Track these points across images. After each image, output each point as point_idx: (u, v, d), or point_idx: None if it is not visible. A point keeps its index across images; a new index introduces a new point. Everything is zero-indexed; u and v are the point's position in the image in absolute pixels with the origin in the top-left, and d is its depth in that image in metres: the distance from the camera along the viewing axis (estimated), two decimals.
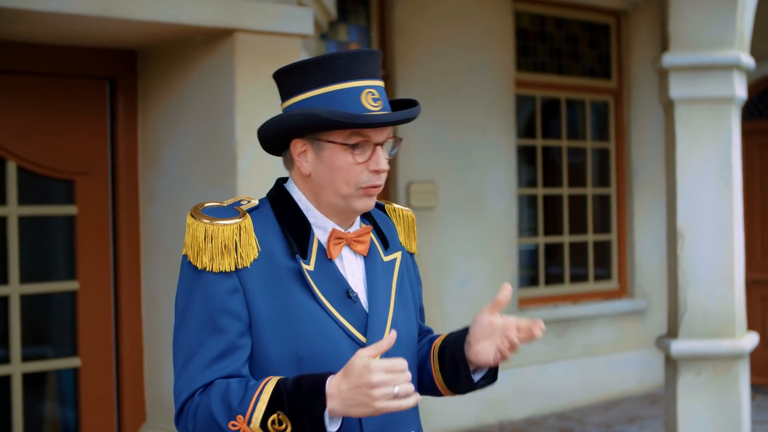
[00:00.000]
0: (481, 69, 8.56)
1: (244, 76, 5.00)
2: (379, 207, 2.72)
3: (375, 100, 2.40)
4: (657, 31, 9.24)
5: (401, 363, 2.23)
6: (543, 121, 9.39)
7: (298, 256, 2.39)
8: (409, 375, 2.23)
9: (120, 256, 5.58)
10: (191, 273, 2.39)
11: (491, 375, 2.58)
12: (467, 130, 8.46)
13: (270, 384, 2.27)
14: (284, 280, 2.37)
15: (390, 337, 2.23)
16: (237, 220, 2.38)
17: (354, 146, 2.38)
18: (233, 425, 2.25)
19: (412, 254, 2.74)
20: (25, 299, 5.34)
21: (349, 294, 2.43)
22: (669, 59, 6.08)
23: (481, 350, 2.50)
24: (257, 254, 2.37)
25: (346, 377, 2.22)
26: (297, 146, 2.44)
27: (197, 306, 2.36)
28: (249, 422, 2.24)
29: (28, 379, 5.38)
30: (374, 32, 8.12)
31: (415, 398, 2.23)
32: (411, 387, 2.22)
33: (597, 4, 9.51)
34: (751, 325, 9.15)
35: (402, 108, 2.52)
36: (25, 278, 5.34)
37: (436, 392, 2.67)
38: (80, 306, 5.49)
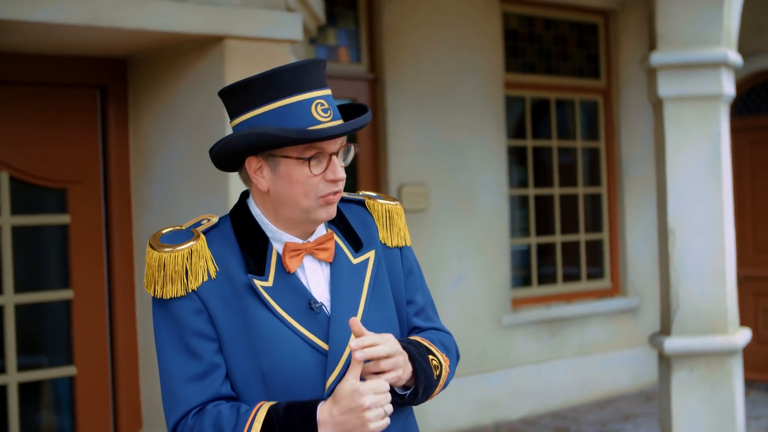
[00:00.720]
0: (470, 71, 8.59)
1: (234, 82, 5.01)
2: (359, 203, 2.69)
3: (325, 110, 2.39)
4: (645, 29, 9.27)
5: (385, 384, 2.29)
6: (533, 121, 9.42)
7: (250, 275, 2.39)
8: (389, 395, 2.31)
9: (114, 263, 5.59)
10: (155, 303, 2.42)
11: (414, 393, 2.52)
12: (457, 132, 8.49)
13: (261, 412, 2.30)
14: (243, 297, 2.39)
15: (355, 354, 2.26)
16: (189, 244, 2.40)
17: (309, 159, 2.38)
18: None
19: (402, 248, 2.67)
20: (19, 309, 5.35)
21: (311, 305, 2.42)
22: (657, 58, 6.11)
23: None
24: (215, 274, 2.39)
25: (336, 403, 2.26)
26: (252, 164, 2.43)
27: (168, 332, 2.39)
28: None
29: (24, 388, 5.39)
30: (363, 35, 8.13)
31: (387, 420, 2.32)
32: (391, 408, 2.31)
33: (585, 4, 9.53)
34: (744, 321, 9.20)
35: (351, 112, 2.53)
36: (19, 288, 5.35)
37: None
38: (75, 315, 5.49)
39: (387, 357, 2.33)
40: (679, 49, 6.11)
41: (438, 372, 2.56)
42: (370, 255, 2.56)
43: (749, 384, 9.39)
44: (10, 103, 5.31)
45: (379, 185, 8.07)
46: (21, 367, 5.36)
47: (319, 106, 2.39)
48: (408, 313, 2.65)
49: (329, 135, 2.35)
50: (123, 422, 5.61)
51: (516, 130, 9.29)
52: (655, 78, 6.15)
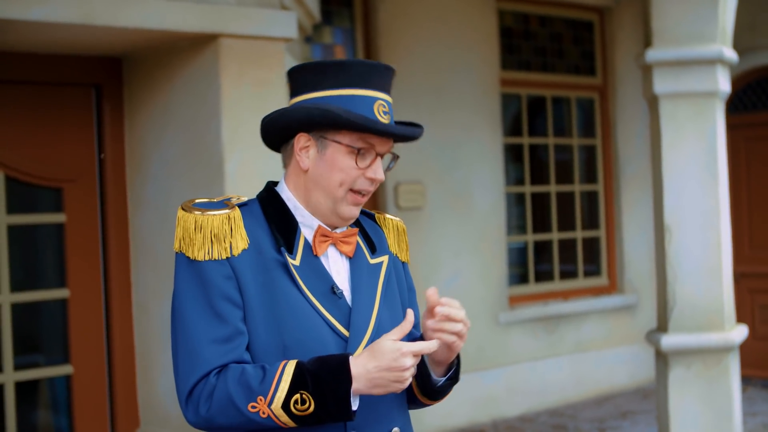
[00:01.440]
0: (466, 68, 8.58)
1: (228, 80, 5.01)
2: (370, 216, 2.76)
3: (385, 113, 2.47)
4: (640, 26, 9.25)
5: (422, 346, 2.34)
6: (529, 118, 9.41)
7: (283, 249, 2.44)
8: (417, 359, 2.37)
9: (110, 262, 5.59)
10: (184, 264, 2.44)
11: (454, 375, 2.61)
12: (453, 130, 8.48)
13: (290, 365, 2.32)
14: (271, 271, 2.43)
15: (409, 318, 2.34)
16: (226, 211, 2.45)
17: (359, 150, 2.44)
18: (253, 407, 2.30)
19: (404, 264, 2.77)
20: (15, 308, 5.34)
21: (333, 290, 2.48)
22: (652, 55, 6.10)
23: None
24: (246, 245, 2.43)
25: (375, 358, 2.30)
26: (301, 140, 2.49)
27: (195, 294, 2.41)
28: (270, 402, 2.29)
29: (21, 387, 5.38)
30: (358, 34, 8.13)
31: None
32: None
33: (580, 1, 9.53)
34: (741, 318, 9.19)
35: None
36: (15, 287, 5.34)
37: (416, 401, 2.67)
38: (71, 313, 5.49)
39: (463, 322, 2.42)
40: (674, 45, 6.11)
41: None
42: (384, 259, 2.64)
43: (746, 380, 9.39)
44: (5, 102, 5.31)
45: None
46: (18, 366, 5.35)
47: (381, 108, 2.47)
48: None
49: (389, 131, 2.44)
50: (120, 421, 5.60)
51: (512, 127, 9.29)
52: (651, 75, 6.14)
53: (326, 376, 2.29)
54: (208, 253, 2.40)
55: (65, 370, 5.51)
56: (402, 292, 2.70)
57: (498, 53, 8.88)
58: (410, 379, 2.33)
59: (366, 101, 2.45)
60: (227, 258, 2.40)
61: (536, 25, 9.40)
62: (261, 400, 2.29)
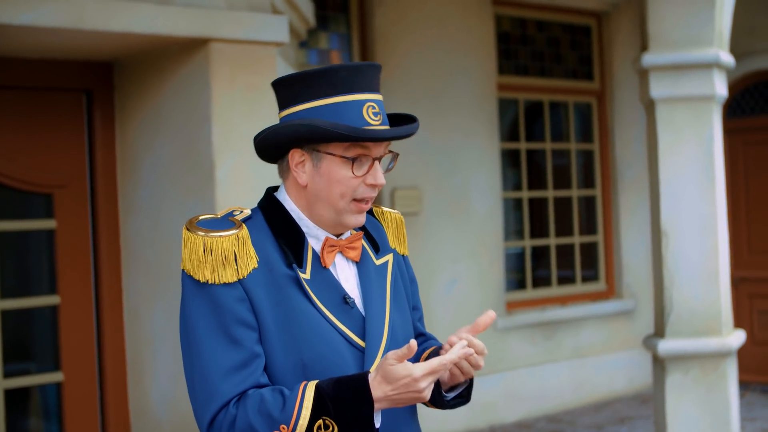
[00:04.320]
0: (463, 73, 8.56)
1: (219, 85, 4.98)
2: (368, 212, 2.73)
3: (375, 114, 2.43)
4: (638, 31, 9.24)
5: (437, 364, 2.28)
6: (526, 123, 9.39)
7: (294, 265, 2.41)
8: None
9: (101, 268, 5.55)
10: (194, 287, 2.39)
11: (465, 394, 2.63)
12: (450, 135, 8.45)
13: (309, 390, 2.30)
14: (284, 288, 2.40)
15: (411, 345, 2.25)
16: (234, 231, 2.40)
17: (353, 159, 2.40)
18: None
19: (404, 256, 2.76)
20: (6, 315, 5.30)
21: (346, 300, 2.46)
22: (649, 59, 6.08)
23: (453, 369, 2.51)
24: (256, 264, 2.39)
25: (390, 383, 2.26)
26: (295, 156, 2.46)
27: (208, 319, 2.37)
28: (294, 430, 2.26)
29: (11, 395, 5.35)
30: (355, 39, 8.10)
31: None
32: None
33: (577, 6, 9.51)
34: (740, 323, 9.16)
35: (399, 121, 2.56)
36: (5, 293, 5.30)
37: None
38: (62, 320, 5.45)
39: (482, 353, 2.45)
40: (670, 50, 6.08)
41: None
42: (389, 258, 2.63)
43: (745, 386, 9.36)
44: None
45: None
46: (7, 374, 5.31)
47: (371, 109, 2.42)
48: (413, 318, 2.72)
49: (379, 136, 2.39)
50: (111, 428, 5.57)
51: (509, 132, 9.27)
52: (647, 79, 6.12)
53: (347, 401, 2.27)
54: (220, 277, 2.36)
55: (56, 377, 5.47)
56: (406, 287, 2.69)
57: (495, 58, 8.85)
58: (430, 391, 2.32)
59: (354, 106, 2.40)
60: (239, 280, 2.36)
61: (533, 30, 9.37)
62: (284, 428, 2.26)
